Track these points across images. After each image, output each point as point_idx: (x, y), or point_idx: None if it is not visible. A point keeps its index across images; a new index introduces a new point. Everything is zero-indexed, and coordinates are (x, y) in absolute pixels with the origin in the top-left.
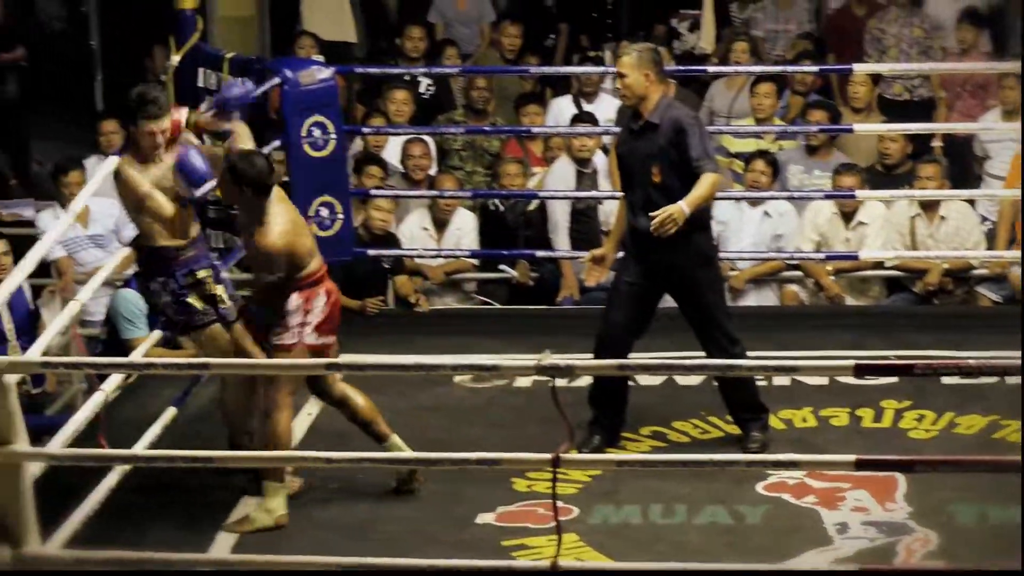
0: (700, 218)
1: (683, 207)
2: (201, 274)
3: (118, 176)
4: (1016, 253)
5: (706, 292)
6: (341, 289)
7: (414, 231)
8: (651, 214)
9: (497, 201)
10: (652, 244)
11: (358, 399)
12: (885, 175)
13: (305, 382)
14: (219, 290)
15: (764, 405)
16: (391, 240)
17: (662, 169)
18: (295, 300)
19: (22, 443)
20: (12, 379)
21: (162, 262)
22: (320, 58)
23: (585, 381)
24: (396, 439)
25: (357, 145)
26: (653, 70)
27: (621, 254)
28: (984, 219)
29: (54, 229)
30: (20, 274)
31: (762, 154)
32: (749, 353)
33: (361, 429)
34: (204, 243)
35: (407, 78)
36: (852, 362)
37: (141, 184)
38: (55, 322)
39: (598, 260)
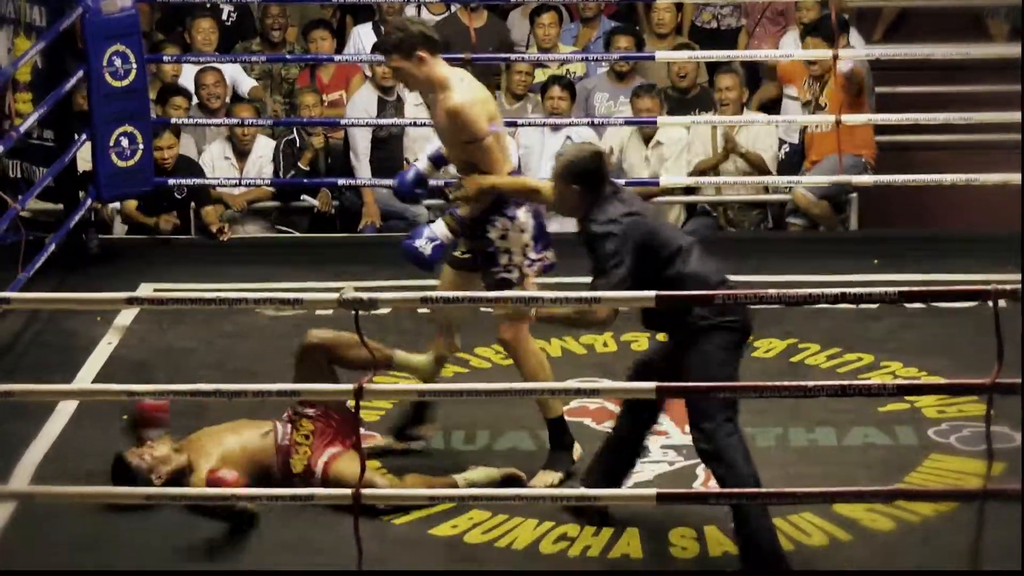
0: None
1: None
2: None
3: None
4: (809, 179)
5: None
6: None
7: (216, 161)
8: None
9: (295, 131)
10: None
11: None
12: (679, 98)
13: None
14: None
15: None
16: (193, 168)
17: None
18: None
19: None
20: None
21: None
22: None
23: (387, 310)
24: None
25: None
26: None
27: None
28: (783, 142)
29: None
30: None
31: (557, 79)
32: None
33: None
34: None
35: (208, 6)
36: (653, 292)
37: None
38: None
39: None
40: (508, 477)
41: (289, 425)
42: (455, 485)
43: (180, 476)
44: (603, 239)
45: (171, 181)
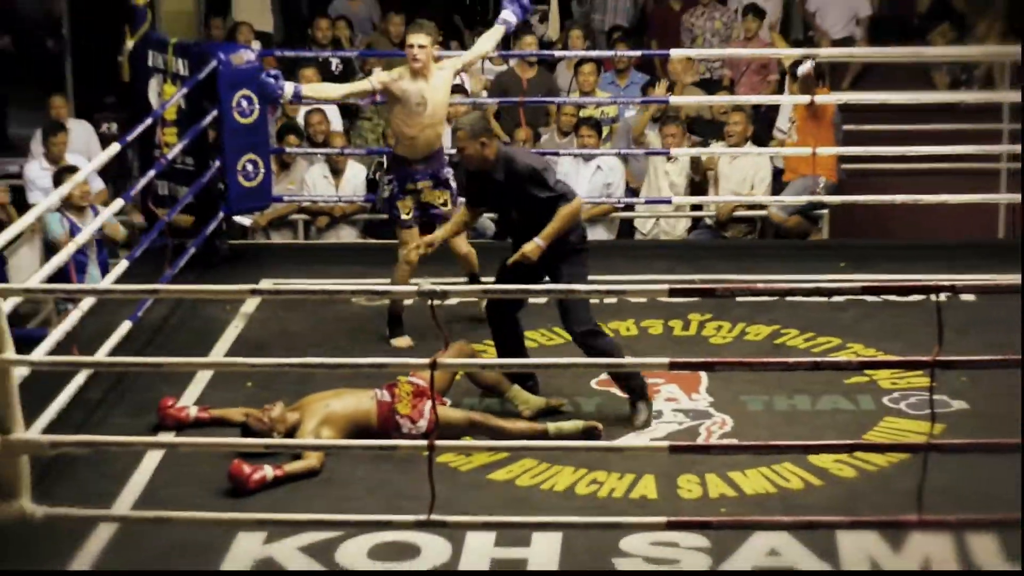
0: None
1: (538, 243)
2: (420, 185)
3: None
4: (784, 199)
5: (568, 279)
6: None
7: (316, 179)
8: (509, 261)
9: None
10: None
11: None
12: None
13: None
14: (434, 196)
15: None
16: None
17: (520, 210)
18: None
19: (9, 352)
20: (2, 303)
21: (395, 165)
22: (252, 44)
23: (456, 300)
24: None
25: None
26: (486, 136)
27: None
28: (776, 170)
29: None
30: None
31: (584, 121)
32: (590, 277)
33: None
34: (438, 160)
35: (320, 60)
36: (667, 286)
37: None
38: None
39: (429, 244)
40: (589, 428)
41: (386, 391)
42: (547, 431)
43: (294, 431)
44: (539, 174)
45: (286, 198)
